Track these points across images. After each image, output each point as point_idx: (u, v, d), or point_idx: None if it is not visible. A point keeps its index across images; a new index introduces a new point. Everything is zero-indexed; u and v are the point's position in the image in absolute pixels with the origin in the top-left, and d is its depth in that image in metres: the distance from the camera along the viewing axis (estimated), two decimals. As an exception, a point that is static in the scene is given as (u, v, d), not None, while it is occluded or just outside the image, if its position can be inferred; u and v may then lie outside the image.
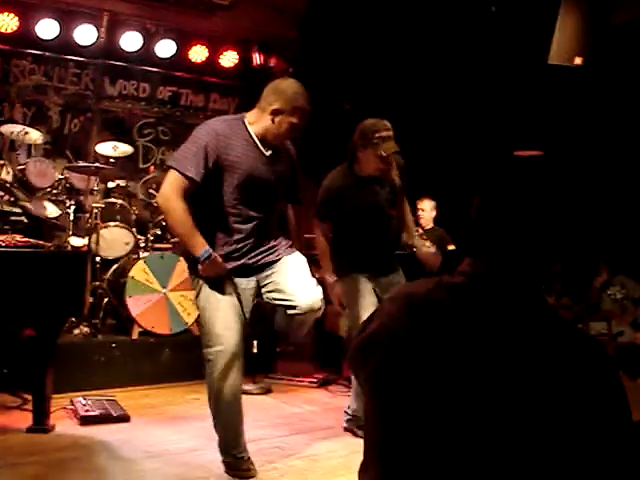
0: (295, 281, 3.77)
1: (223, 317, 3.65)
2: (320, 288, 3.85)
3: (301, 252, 4.01)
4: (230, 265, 3.68)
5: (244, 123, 3.71)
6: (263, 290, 3.82)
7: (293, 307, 3.71)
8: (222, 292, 3.68)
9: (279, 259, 3.83)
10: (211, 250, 3.57)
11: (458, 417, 1.31)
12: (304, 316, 3.74)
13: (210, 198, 3.66)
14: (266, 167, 3.73)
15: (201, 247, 3.57)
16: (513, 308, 1.38)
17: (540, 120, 6.87)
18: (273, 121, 3.64)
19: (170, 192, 3.54)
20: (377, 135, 4.26)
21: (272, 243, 3.85)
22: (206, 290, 3.68)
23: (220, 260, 3.62)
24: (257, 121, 3.70)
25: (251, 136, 3.69)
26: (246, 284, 3.76)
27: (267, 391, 5.80)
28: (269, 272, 3.80)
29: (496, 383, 1.30)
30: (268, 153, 3.73)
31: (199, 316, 3.80)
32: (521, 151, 7.17)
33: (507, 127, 7.04)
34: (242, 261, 3.71)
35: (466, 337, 1.34)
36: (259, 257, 3.77)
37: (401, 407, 1.38)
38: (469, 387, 1.31)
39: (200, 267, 3.60)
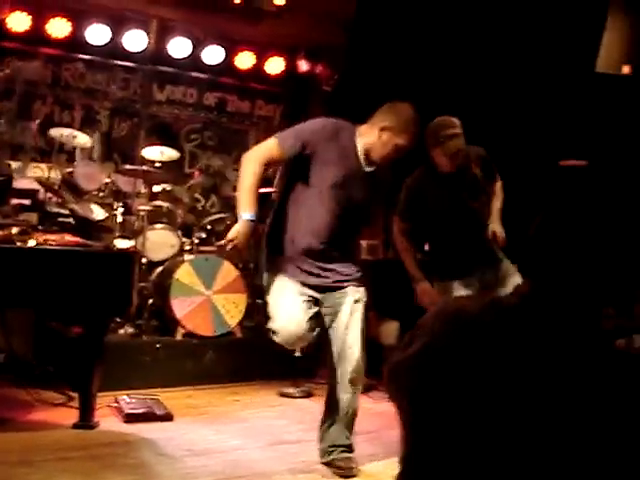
0: (346, 344, 3.89)
1: (286, 307, 3.77)
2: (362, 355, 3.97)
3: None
4: (295, 264, 3.80)
5: (354, 133, 3.81)
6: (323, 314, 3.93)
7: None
8: (288, 287, 3.79)
9: (342, 290, 3.88)
10: (254, 218, 3.68)
11: (496, 451, 1.25)
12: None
13: (300, 190, 3.80)
14: (361, 182, 3.81)
15: (247, 208, 3.68)
16: (565, 337, 1.30)
17: (586, 129, 6.81)
18: (379, 137, 3.73)
19: (255, 153, 3.78)
20: (442, 133, 4.32)
21: (341, 263, 3.90)
22: (274, 284, 3.82)
23: (249, 233, 3.70)
24: (365, 135, 3.80)
25: (356, 146, 3.78)
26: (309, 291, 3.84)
27: (308, 395, 5.82)
28: (330, 303, 3.88)
29: (541, 417, 1.24)
30: (368, 169, 3.80)
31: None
32: (566, 160, 7.12)
33: (552, 136, 6.99)
34: (309, 261, 3.81)
35: (515, 365, 1.27)
36: (324, 271, 3.84)
37: (438, 433, 1.31)
38: (512, 418, 1.25)
39: (233, 228, 3.71)
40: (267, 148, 3.75)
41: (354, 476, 3.90)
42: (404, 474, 1.39)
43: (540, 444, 1.22)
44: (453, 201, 4.55)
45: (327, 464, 3.93)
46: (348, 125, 3.85)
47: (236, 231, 3.65)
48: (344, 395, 3.94)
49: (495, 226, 4.67)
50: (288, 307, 3.75)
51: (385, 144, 3.74)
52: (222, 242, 3.74)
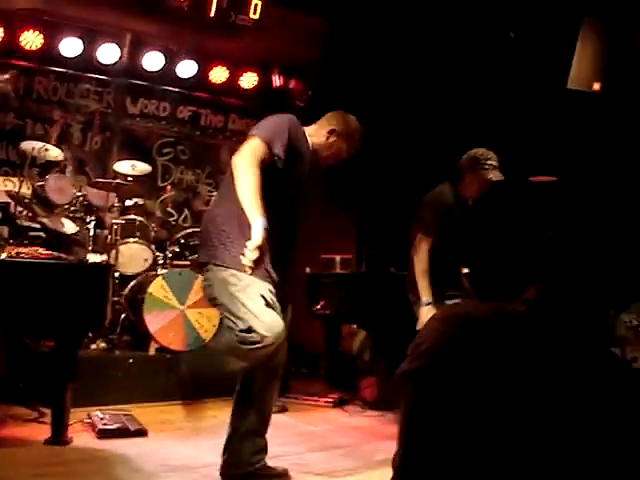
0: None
1: (266, 307, 3.47)
2: None
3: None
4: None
5: (305, 131, 3.81)
6: None
7: None
8: (262, 286, 3.51)
9: (285, 299, 3.75)
10: (267, 226, 3.22)
11: (501, 455, 1.25)
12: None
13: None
14: (311, 177, 3.82)
15: (260, 213, 3.24)
16: (574, 344, 1.32)
17: (556, 145, 6.89)
18: (327, 139, 3.81)
19: (251, 156, 3.39)
20: (489, 162, 4.63)
21: (287, 267, 3.80)
22: (246, 281, 3.45)
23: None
24: (313, 135, 3.84)
25: (309, 144, 3.79)
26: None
27: (283, 409, 5.78)
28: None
29: (550, 423, 1.24)
30: (314, 166, 3.84)
31: (231, 309, 3.49)
32: (535, 176, 7.19)
33: (523, 152, 7.06)
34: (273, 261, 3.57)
35: (523, 371, 1.28)
36: (282, 271, 3.69)
37: (438, 438, 1.31)
38: (520, 423, 1.25)
39: (258, 234, 3.16)
40: (257, 149, 3.43)
41: None
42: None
43: (548, 451, 1.23)
44: (460, 227, 4.70)
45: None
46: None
47: (262, 239, 3.15)
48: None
49: None
50: (267, 305, 3.48)
51: (331, 146, 3.83)
52: (246, 262, 3.17)
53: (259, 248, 3.14)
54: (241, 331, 3.45)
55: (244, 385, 3.66)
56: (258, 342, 3.40)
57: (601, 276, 1.36)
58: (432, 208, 4.74)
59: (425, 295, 4.59)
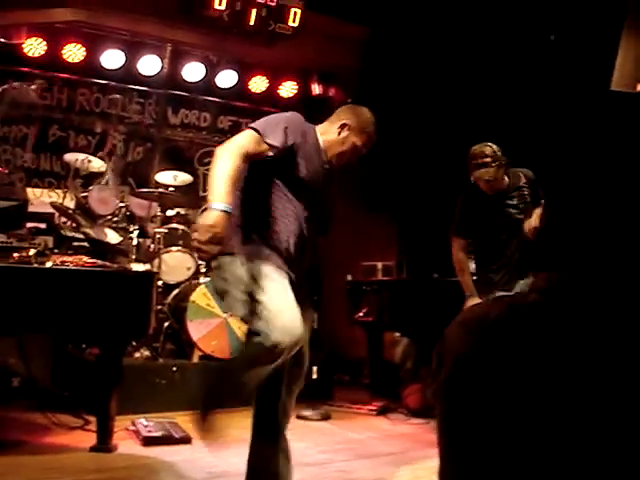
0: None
1: (291, 305, 3.19)
2: None
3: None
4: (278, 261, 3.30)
5: (316, 130, 3.63)
6: None
7: None
8: (284, 283, 3.26)
9: (305, 301, 3.41)
10: (229, 210, 3.01)
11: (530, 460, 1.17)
12: None
13: (268, 185, 3.38)
14: (324, 179, 3.66)
15: (222, 198, 3.03)
16: (597, 326, 1.20)
17: (600, 147, 6.78)
18: (339, 134, 3.56)
19: (235, 144, 3.22)
20: (473, 162, 4.71)
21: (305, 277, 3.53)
22: (270, 275, 3.21)
23: (227, 226, 3.00)
24: (324, 133, 3.65)
25: (319, 143, 3.57)
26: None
27: (326, 417, 5.76)
28: None
29: (582, 421, 1.15)
30: (326, 167, 3.67)
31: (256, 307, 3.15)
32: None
33: (568, 155, 6.97)
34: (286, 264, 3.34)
35: (551, 363, 1.19)
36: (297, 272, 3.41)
37: (468, 446, 1.25)
38: (545, 423, 1.17)
39: (206, 216, 2.97)
40: (248, 141, 3.25)
41: None
42: None
43: (588, 444, 1.17)
44: (500, 215, 4.79)
45: None
46: (307, 122, 3.60)
47: (213, 221, 2.93)
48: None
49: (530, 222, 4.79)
50: (292, 304, 3.18)
51: (344, 141, 3.55)
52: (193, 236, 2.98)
53: (211, 230, 2.94)
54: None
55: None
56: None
57: (613, 245, 1.24)
58: (456, 209, 4.93)
59: (466, 289, 4.83)
